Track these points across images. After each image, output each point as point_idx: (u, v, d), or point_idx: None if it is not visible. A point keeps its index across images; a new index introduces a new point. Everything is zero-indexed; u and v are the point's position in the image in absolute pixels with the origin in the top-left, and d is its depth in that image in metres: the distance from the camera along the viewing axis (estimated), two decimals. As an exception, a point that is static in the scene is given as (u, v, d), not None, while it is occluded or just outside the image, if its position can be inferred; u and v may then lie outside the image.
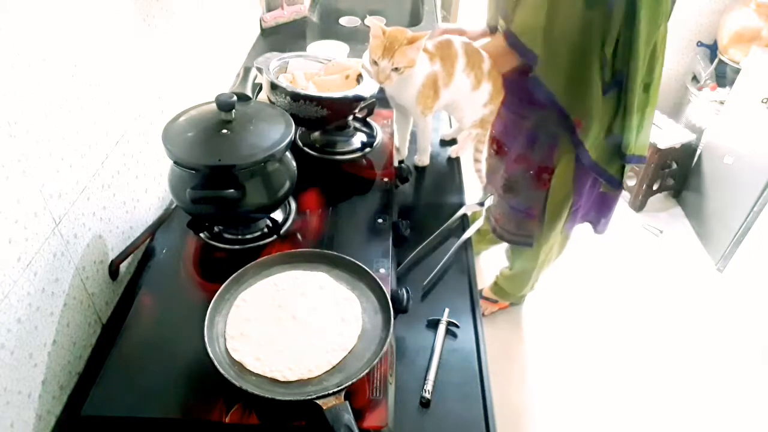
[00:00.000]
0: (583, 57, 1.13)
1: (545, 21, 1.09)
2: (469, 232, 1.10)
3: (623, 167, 1.31)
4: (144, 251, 1.02)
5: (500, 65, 1.19)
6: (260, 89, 1.14)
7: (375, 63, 1.06)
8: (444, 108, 1.24)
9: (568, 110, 1.19)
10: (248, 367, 0.67)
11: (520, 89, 1.26)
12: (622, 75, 1.14)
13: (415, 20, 2.25)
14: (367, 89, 1.09)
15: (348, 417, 0.62)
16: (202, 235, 0.91)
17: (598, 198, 1.45)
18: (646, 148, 1.27)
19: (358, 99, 1.08)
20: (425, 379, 0.80)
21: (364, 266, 0.80)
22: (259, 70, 1.09)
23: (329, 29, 1.98)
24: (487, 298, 2.03)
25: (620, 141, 1.23)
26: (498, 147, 1.53)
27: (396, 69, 1.04)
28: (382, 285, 0.77)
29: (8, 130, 0.65)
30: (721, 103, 2.41)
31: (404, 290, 0.80)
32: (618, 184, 1.33)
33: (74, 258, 0.81)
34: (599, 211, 1.48)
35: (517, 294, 1.97)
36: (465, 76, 1.15)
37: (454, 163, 1.30)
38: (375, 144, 1.15)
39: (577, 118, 1.21)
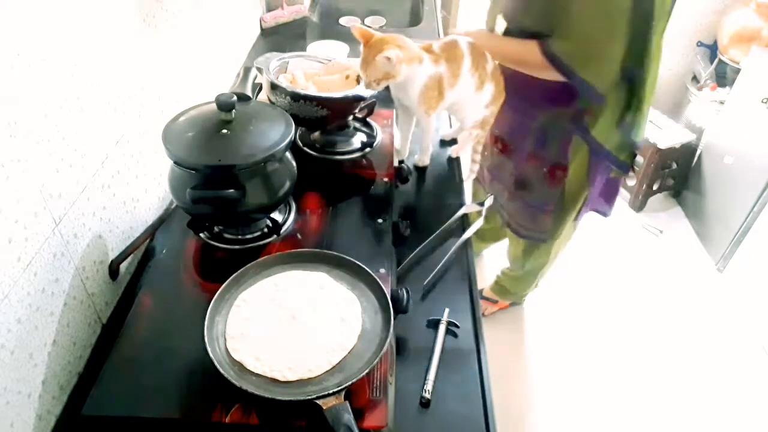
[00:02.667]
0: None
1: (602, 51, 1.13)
2: (469, 232, 1.09)
3: (633, 152, 1.37)
4: (144, 251, 1.02)
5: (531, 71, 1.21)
6: (260, 89, 1.14)
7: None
8: (447, 109, 1.24)
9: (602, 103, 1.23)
10: (248, 367, 0.67)
11: (526, 89, 1.27)
12: (633, 68, 1.18)
13: (415, 20, 2.25)
14: (367, 89, 1.09)
15: (348, 417, 0.62)
16: (202, 235, 0.91)
17: (606, 184, 1.48)
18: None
19: (358, 99, 1.08)
20: (425, 379, 0.80)
21: (364, 266, 0.80)
22: (259, 70, 1.09)
23: (329, 29, 1.97)
24: (487, 298, 2.03)
25: (632, 128, 1.28)
26: (503, 146, 1.54)
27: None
28: (382, 285, 0.77)
29: (8, 130, 0.65)
30: (721, 103, 2.41)
31: (404, 290, 0.80)
32: (628, 169, 1.39)
33: (74, 258, 0.81)
34: (608, 195, 1.53)
35: (521, 293, 1.96)
36: (470, 76, 1.15)
37: (454, 163, 1.30)
38: (375, 144, 1.15)
39: (588, 110, 1.25)
